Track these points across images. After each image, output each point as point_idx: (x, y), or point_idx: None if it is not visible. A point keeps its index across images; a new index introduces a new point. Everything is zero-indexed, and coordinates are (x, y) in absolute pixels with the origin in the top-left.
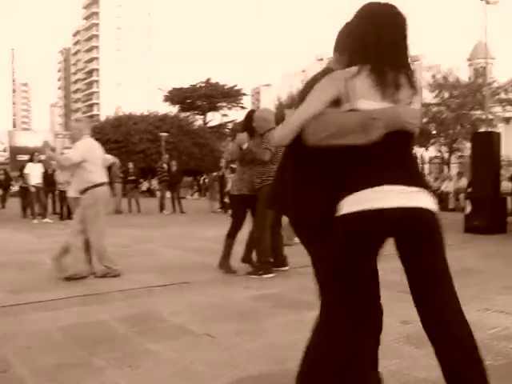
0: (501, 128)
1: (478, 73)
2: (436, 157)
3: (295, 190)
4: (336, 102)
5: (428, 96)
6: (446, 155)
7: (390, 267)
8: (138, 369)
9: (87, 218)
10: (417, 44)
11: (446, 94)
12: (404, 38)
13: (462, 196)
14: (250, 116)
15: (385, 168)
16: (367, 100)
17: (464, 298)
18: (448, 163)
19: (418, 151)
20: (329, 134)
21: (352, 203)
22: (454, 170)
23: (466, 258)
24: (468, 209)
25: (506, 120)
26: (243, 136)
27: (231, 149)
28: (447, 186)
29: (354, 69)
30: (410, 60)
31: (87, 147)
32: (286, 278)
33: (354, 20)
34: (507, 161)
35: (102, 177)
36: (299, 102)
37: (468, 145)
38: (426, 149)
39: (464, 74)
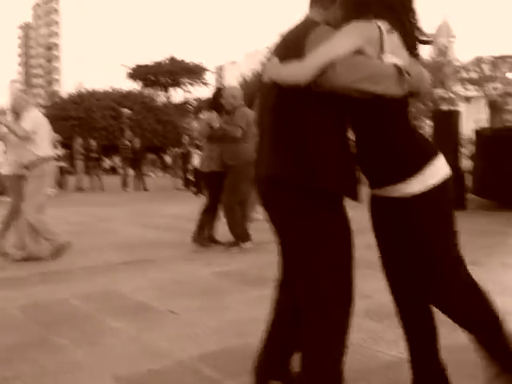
0: (462, 107)
1: (441, 52)
2: None
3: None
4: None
5: None
6: None
7: (363, 243)
8: (99, 347)
9: (29, 191)
10: None
11: None
12: None
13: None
14: (217, 93)
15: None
16: (390, 55)
17: None
18: None
19: None
20: (362, 76)
21: (436, 171)
22: None
23: None
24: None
25: (467, 99)
26: (212, 114)
27: (201, 126)
28: None
29: (386, 25)
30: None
31: (36, 119)
32: (249, 254)
33: None
34: (467, 139)
35: (50, 151)
36: (284, 55)
37: (429, 122)
38: None
39: (426, 52)
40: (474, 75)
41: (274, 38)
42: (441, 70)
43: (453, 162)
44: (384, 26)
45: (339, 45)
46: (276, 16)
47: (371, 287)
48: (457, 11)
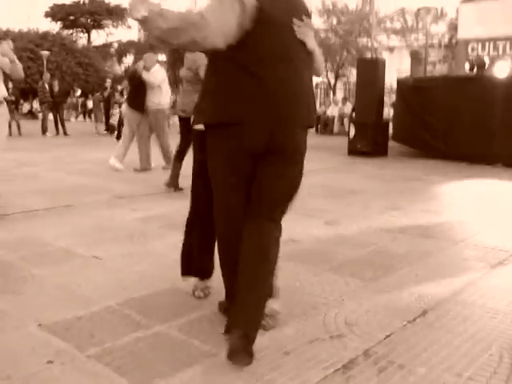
0: (385, 56)
1: (366, 1)
2: (322, 82)
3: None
4: None
5: (317, 21)
6: (332, 81)
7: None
8: (22, 295)
9: None
10: None
11: (335, 20)
12: None
13: (346, 120)
14: None
15: None
16: None
17: (348, 217)
18: (334, 88)
19: None
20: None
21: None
22: (340, 95)
23: (349, 179)
24: (352, 133)
25: (390, 49)
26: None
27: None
28: (332, 111)
29: None
30: None
31: None
32: (173, 199)
33: None
34: (390, 88)
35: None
36: None
37: (354, 71)
38: None
39: (352, 1)
40: (397, 25)
41: None
42: (366, 19)
43: (376, 110)
44: None
45: None
46: None
47: (299, 231)
48: None
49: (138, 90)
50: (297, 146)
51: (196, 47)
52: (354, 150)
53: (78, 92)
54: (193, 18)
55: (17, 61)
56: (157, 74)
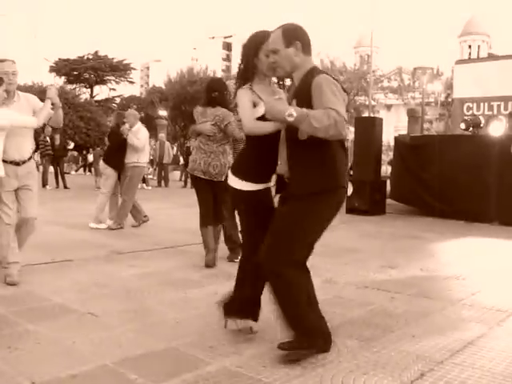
0: (382, 114)
1: (364, 60)
2: None
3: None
4: None
5: None
6: None
7: None
8: (17, 350)
9: None
10: (310, 29)
11: None
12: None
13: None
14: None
15: None
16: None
17: (345, 276)
18: None
19: None
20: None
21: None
22: None
23: (347, 237)
24: (350, 191)
25: (388, 107)
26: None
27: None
28: None
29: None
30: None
31: None
32: (170, 255)
33: None
34: (387, 145)
35: None
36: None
37: (352, 129)
38: None
39: (350, 61)
40: (394, 84)
41: (198, 38)
42: (363, 77)
43: (374, 168)
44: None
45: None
46: (201, 16)
47: None
48: (380, 22)
49: (118, 149)
50: None
51: (337, 137)
52: (352, 208)
53: (71, 145)
54: (334, 116)
55: (60, 109)
56: (141, 135)
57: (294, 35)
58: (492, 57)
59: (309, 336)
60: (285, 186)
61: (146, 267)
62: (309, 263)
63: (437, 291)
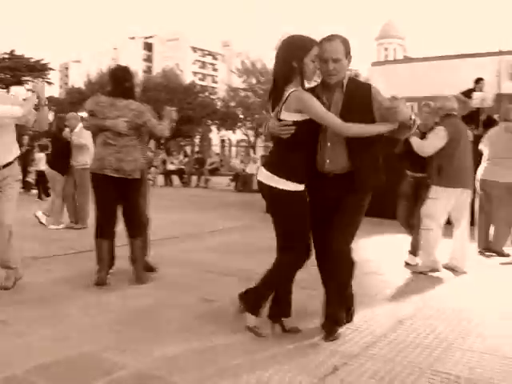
0: None
1: None
2: (243, 140)
3: None
4: None
5: (237, 81)
6: (253, 139)
7: (202, 246)
8: None
9: None
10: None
11: (254, 80)
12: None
13: None
14: None
15: None
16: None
17: (258, 276)
18: (254, 146)
19: (226, 134)
20: None
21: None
22: (260, 152)
23: (265, 236)
24: None
25: None
26: None
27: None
28: (251, 169)
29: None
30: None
31: None
32: (86, 260)
33: None
34: None
35: None
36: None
37: None
38: (233, 132)
39: (271, 62)
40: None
41: (118, 37)
42: None
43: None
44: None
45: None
46: (121, 16)
47: (213, 290)
48: (304, 24)
49: (62, 153)
50: None
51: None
52: None
53: None
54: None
55: (46, 108)
56: (85, 135)
57: (349, 48)
58: (406, 59)
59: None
60: (335, 181)
61: (63, 271)
62: (227, 262)
63: (354, 287)
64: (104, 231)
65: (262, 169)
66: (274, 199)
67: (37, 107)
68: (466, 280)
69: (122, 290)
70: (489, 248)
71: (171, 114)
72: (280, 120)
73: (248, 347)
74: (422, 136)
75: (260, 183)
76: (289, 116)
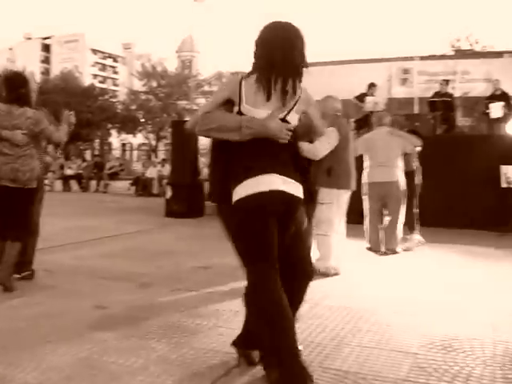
0: None
1: (185, 65)
2: (144, 144)
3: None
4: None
5: (137, 84)
6: (154, 142)
7: (98, 253)
8: None
9: None
10: (130, 32)
11: (154, 83)
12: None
13: (165, 182)
14: None
15: (260, 161)
16: (249, 106)
17: (160, 280)
18: (155, 150)
19: (127, 138)
20: (210, 127)
21: (241, 191)
22: (162, 156)
23: (164, 240)
24: (168, 194)
25: None
26: None
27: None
28: (151, 172)
29: (242, 74)
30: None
31: None
32: None
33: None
34: (207, 148)
35: None
36: None
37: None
38: (134, 135)
39: (172, 65)
40: (215, 88)
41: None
42: (185, 82)
43: (191, 171)
44: (250, 78)
45: (211, 99)
46: (19, 16)
47: (108, 297)
48: (201, 27)
49: None
50: None
51: None
52: (170, 211)
53: None
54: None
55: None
56: None
57: None
58: None
59: None
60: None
61: None
62: (123, 268)
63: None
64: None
65: (288, 179)
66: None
67: None
68: (359, 278)
69: (10, 300)
70: (378, 248)
71: (69, 118)
72: (284, 121)
73: (140, 353)
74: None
75: (292, 197)
76: (295, 118)
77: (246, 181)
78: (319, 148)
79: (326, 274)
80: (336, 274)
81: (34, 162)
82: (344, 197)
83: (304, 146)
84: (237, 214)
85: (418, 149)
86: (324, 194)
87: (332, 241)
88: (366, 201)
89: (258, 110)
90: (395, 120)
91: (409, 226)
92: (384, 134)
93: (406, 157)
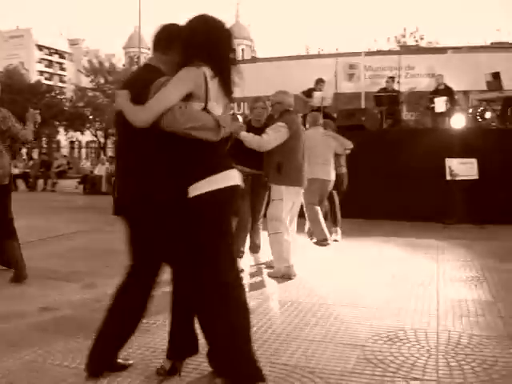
0: None
1: (133, 61)
2: (93, 141)
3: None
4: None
5: (85, 80)
6: (102, 140)
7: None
8: None
9: None
10: (78, 28)
11: (102, 80)
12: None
13: (113, 179)
14: None
15: (222, 157)
16: (214, 102)
17: (106, 279)
18: (104, 147)
19: (75, 135)
20: (193, 126)
21: (204, 185)
22: (111, 153)
23: (112, 239)
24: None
25: None
26: None
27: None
28: (100, 170)
29: (210, 71)
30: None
31: None
32: None
33: (189, 26)
34: None
35: None
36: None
37: None
38: (82, 133)
39: (120, 61)
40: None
41: None
42: None
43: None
44: (208, 72)
45: (172, 92)
46: None
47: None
48: (149, 22)
49: None
50: None
51: None
52: (118, 209)
53: None
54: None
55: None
56: None
57: None
58: (253, 59)
59: None
60: None
61: None
62: (69, 268)
63: None
64: None
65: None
66: None
67: None
68: (305, 272)
69: None
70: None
71: (35, 117)
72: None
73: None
74: (256, 132)
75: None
76: None
77: (213, 176)
78: (266, 141)
79: (278, 275)
80: (290, 276)
81: (5, 159)
82: (294, 194)
83: (247, 138)
84: (208, 207)
85: (348, 151)
86: (274, 190)
87: (283, 239)
88: (303, 195)
89: (219, 107)
90: (327, 123)
91: (333, 221)
92: (321, 134)
93: (337, 158)
